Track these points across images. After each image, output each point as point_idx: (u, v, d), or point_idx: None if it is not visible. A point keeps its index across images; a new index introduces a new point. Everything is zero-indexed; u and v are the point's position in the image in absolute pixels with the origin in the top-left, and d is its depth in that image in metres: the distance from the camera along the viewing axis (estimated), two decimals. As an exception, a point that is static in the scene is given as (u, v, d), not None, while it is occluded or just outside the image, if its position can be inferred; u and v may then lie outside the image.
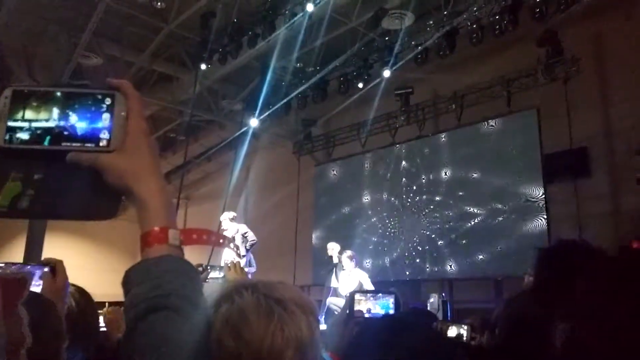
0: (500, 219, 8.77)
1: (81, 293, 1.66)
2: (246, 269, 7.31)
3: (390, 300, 2.11)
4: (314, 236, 11.45)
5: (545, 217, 8.32)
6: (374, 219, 10.68)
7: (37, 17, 8.60)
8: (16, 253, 11.04)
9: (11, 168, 0.69)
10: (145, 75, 10.27)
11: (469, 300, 8.57)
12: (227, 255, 7.60)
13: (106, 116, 0.71)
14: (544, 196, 8.40)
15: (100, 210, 0.73)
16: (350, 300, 2.14)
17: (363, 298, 2.17)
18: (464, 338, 2.29)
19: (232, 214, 7.94)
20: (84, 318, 1.59)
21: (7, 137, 0.69)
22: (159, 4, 8.51)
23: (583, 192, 8.22)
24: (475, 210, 9.12)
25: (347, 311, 2.14)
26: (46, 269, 1.48)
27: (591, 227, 7.83)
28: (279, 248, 10.76)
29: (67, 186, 0.71)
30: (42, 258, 1.55)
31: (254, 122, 10.19)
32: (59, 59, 9.15)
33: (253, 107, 10.01)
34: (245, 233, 7.64)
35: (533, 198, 8.50)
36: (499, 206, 8.85)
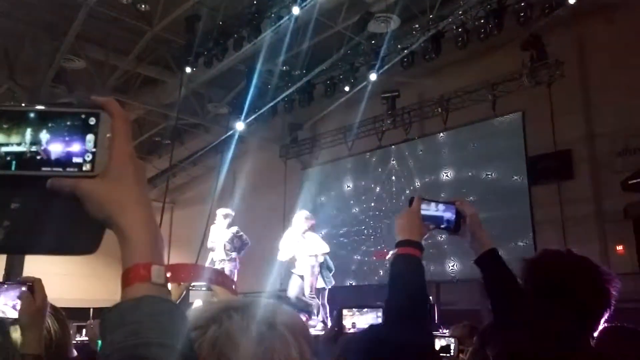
0: (485, 221, 8.80)
1: (54, 310, 1.61)
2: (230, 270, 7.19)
3: (377, 314, 2.07)
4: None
5: (529, 218, 8.40)
6: (361, 222, 10.69)
7: (20, 20, 8.49)
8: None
9: None
10: (130, 78, 10.18)
11: (455, 303, 8.60)
12: (217, 256, 7.45)
13: (90, 138, 0.65)
14: (528, 198, 8.49)
15: (81, 244, 0.66)
16: (338, 316, 2.11)
17: (350, 313, 2.14)
18: (452, 350, 2.28)
19: (228, 211, 7.70)
20: (58, 339, 1.55)
21: None
22: (142, 6, 8.44)
23: (566, 194, 8.32)
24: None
25: (336, 328, 2.11)
26: (24, 288, 1.41)
27: (575, 229, 7.93)
28: (265, 252, 10.68)
29: (46, 217, 0.64)
30: (23, 273, 1.51)
31: (240, 126, 10.14)
32: (42, 63, 9.04)
33: (239, 111, 9.96)
34: (239, 233, 7.45)
35: (518, 199, 8.58)
36: (485, 208, 8.89)
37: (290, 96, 9.75)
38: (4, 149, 0.63)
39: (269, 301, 0.93)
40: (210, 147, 11.66)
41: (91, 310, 10.13)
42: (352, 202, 11.00)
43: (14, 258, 8.96)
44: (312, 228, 7.03)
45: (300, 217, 6.99)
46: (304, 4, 7.46)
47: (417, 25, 8.38)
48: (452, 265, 9.11)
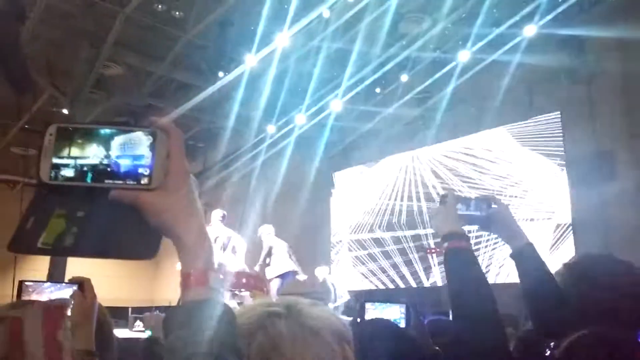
0: (527, 224, 8.67)
1: (99, 308, 1.70)
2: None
3: (400, 310, 2.03)
4: (332, 241, 11.43)
5: (570, 222, 8.21)
6: (394, 223, 10.64)
7: (60, 28, 8.75)
8: (37, 264, 11.20)
9: (55, 205, 0.70)
10: (164, 83, 10.37)
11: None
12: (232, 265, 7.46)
13: (148, 154, 0.71)
14: (569, 200, 8.30)
15: (141, 249, 0.72)
16: (360, 308, 2.09)
17: (372, 307, 2.11)
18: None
19: (221, 212, 7.77)
20: (103, 334, 1.61)
21: (52, 174, 0.70)
22: (177, 13, 8.59)
23: (609, 196, 8.06)
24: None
25: (358, 320, 2.10)
26: (75, 288, 1.49)
27: (617, 233, 7.68)
28: (297, 255, 10.75)
29: (110, 224, 0.70)
30: (70, 275, 1.57)
31: (271, 129, 10.21)
32: (81, 69, 9.29)
33: (271, 114, 10.04)
34: (234, 241, 7.49)
35: (557, 201, 8.39)
36: (525, 212, 8.73)
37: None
38: (80, 161, 0.70)
39: (307, 303, 0.94)
40: (242, 151, 11.77)
41: (130, 309, 10.37)
42: (384, 205, 10.95)
43: (57, 260, 9.26)
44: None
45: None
46: (334, 6, 7.47)
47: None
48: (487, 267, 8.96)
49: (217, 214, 7.63)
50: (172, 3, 8.47)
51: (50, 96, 9.74)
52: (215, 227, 7.51)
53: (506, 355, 1.30)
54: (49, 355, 0.92)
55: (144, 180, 0.71)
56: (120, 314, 9.77)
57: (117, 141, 0.71)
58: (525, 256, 1.49)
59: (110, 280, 11.67)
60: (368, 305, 2.14)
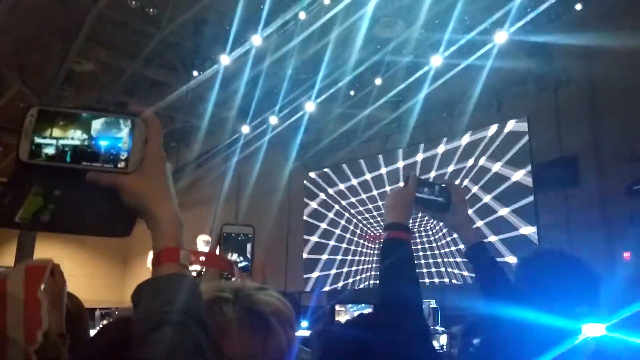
0: (493, 228, 8.83)
1: (72, 297, 1.69)
2: None
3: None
4: (305, 244, 11.46)
5: (535, 225, 8.40)
6: (366, 224, 10.72)
7: (30, 23, 8.58)
8: (5, 259, 10.95)
9: (33, 183, 0.72)
10: (137, 81, 10.26)
11: (461, 307, 8.58)
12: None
13: (126, 139, 0.75)
14: (534, 204, 8.49)
15: (116, 228, 0.75)
16: (330, 311, 2.13)
17: (343, 309, 2.16)
18: (444, 347, 2.28)
19: (206, 237, 7.82)
20: (75, 322, 1.61)
21: (31, 153, 0.73)
22: (151, 10, 8.52)
23: (573, 201, 8.28)
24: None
25: (328, 322, 2.13)
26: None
27: (580, 236, 7.89)
28: (270, 255, 10.76)
29: (86, 203, 0.74)
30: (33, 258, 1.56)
31: (245, 129, 10.19)
32: (51, 65, 9.13)
33: (245, 114, 10.03)
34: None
35: (523, 205, 8.58)
36: (491, 214, 8.91)
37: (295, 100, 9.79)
38: (60, 142, 0.73)
39: (254, 287, 0.98)
40: (215, 150, 11.72)
41: (97, 311, 10.18)
42: (353, 205, 11.04)
43: (24, 242, 9.13)
44: None
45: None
46: (310, 9, 7.51)
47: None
48: (457, 268, 9.11)
49: (201, 238, 7.73)
50: (145, 0, 8.38)
51: (18, 91, 9.54)
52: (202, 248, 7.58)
53: (426, 345, 1.34)
54: (28, 311, 0.96)
55: (121, 164, 0.74)
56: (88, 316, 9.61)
57: (97, 125, 0.74)
58: (480, 254, 1.52)
59: (77, 279, 11.46)
60: (338, 307, 2.18)
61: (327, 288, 10.88)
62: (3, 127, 10.98)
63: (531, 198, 8.50)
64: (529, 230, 8.44)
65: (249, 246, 1.43)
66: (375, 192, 10.70)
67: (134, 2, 8.37)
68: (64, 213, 0.72)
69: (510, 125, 8.87)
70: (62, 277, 1.49)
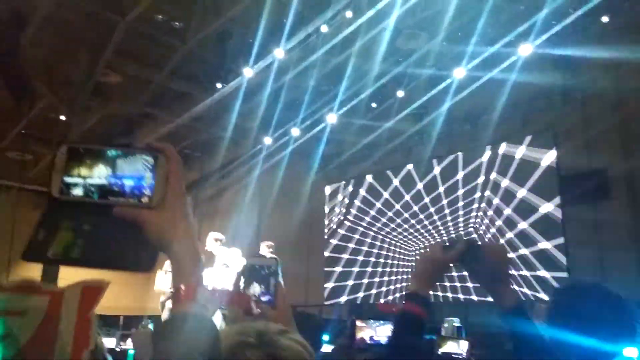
0: (519, 242, 8.69)
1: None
2: None
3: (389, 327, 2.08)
4: (325, 254, 11.44)
5: (563, 240, 8.23)
6: (387, 237, 10.66)
7: (60, 36, 8.80)
8: (32, 271, 11.15)
9: (64, 218, 0.76)
10: (162, 92, 10.42)
11: (486, 325, 8.43)
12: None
13: (149, 175, 0.78)
14: (561, 219, 8.32)
15: (140, 262, 0.79)
16: (351, 327, 2.14)
17: (364, 324, 2.16)
18: (463, 354, 2.25)
19: (216, 235, 7.80)
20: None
21: (61, 190, 0.76)
22: (177, 24, 8.67)
23: (603, 214, 8.04)
24: (492, 233, 9.05)
25: (349, 337, 2.13)
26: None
27: (611, 252, 7.68)
28: (291, 266, 10.76)
29: (112, 238, 0.77)
30: (62, 281, 1.59)
31: (267, 140, 10.27)
32: (79, 76, 9.34)
33: (267, 125, 10.11)
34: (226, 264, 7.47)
35: (551, 220, 8.42)
36: (517, 228, 8.77)
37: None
38: (88, 180, 0.77)
39: (276, 330, 1.00)
40: (238, 161, 11.81)
41: (121, 318, 10.30)
42: (376, 217, 10.99)
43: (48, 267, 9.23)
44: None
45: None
46: (332, 22, 7.55)
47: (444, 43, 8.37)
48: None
49: (212, 236, 7.68)
50: (171, 14, 8.54)
51: (48, 103, 9.77)
52: (212, 249, 7.55)
53: None
54: (78, 331, 0.99)
55: (145, 199, 0.77)
56: (111, 322, 9.72)
57: (122, 162, 0.78)
58: (518, 320, 1.39)
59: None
60: (359, 322, 2.18)
61: (344, 298, 10.83)
62: (34, 137, 11.25)
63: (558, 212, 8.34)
64: (553, 243, 8.29)
65: (272, 279, 1.44)
66: (397, 206, 10.65)
67: (160, 16, 8.54)
68: (92, 248, 0.76)
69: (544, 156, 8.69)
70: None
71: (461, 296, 9.16)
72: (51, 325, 1.00)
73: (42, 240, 0.75)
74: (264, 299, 1.39)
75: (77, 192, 0.76)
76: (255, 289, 1.40)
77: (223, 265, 7.42)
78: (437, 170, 10.07)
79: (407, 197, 10.46)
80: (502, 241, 8.70)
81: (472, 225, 9.39)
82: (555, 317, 1.51)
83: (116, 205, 0.76)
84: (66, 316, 1.03)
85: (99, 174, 0.77)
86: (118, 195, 0.77)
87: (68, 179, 0.77)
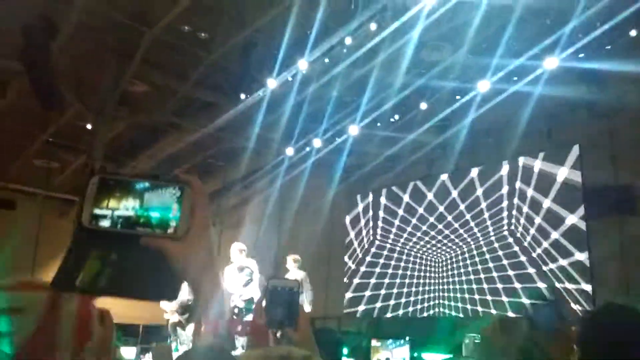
0: (543, 256, 8.57)
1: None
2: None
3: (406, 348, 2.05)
4: (346, 266, 11.39)
5: (587, 255, 8.09)
6: (409, 250, 10.58)
7: (88, 44, 9.00)
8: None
9: (92, 247, 0.79)
10: (188, 102, 10.56)
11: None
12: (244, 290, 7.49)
13: (175, 206, 0.80)
14: (586, 232, 8.19)
15: (164, 292, 0.81)
16: (367, 347, 2.13)
17: (379, 344, 2.14)
18: None
19: (240, 245, 7.85)
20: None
21: (92, 220, 0.79)
22: (202, 34, 8.80)
23: (628, 229, 7.90)
24: (513, 247, 8.94)
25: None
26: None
27: (637, 269, 7.52)
28: (311, 277, 10.75)
29: (138, 267, 0.79)
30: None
31: (290, 151, 10.31)
32: (107, 85, 9.52)
33: (290, 136, 10.16)
34: (252, 274, 7.53)
35: (575, 234, 8.30)
36: (539, 242, 8.65)
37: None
38: (117, 212, 0.80)
39: (300, 356, 1.00)
40: (261, 171, 11.87)
41: (140, 327, 10.38)
42: (398, 229, 10.92)
43: None
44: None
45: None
46: (357, 34, 7.58)
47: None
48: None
49: (236, 246, 7.80)
50: (197, 24, 8.67)
51: (76, 111, 9.97)
52: (236, 259, 7.65)
53: None
54: (79, 327, 1.03)
55: (170, 230, 0.79)
56: (131, 332, 9.80)
57: (150, 193, 0.80)
58: None
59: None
60: (374, 342, 2.17)
61: (362, 308, 10.75)
62: (60, 145, 11.47)
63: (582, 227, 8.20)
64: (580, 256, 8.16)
65: (294, 301, 1.46)
66: (418, 214, 10.58)
67: (186, 27, 8.68)
68: (119, 277, 0.78)
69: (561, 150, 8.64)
70: (111, 323, 1.53)
71: (479, 308, 9.06)
72: (52, 321, 1.03)
73: (70, 269, 0.77)
74: (287, 322, 1.41)
75: (106, 222, 0.79)
76: (279, 312, 1.43)
77: (237, 269, 7.49)
78: (464, 181, 9.99)
79: (421, 210, 10.39)
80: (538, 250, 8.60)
81: (504, 231, 9.26)
82: (586, 348, 1.47)
83: (143, 235, 0.79)
84: (67, 312, 1.05)
85: (127, 205, 0.79)
86: (145, 226, 0.79)
87: (97, 210, 0.79)
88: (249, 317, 6.94)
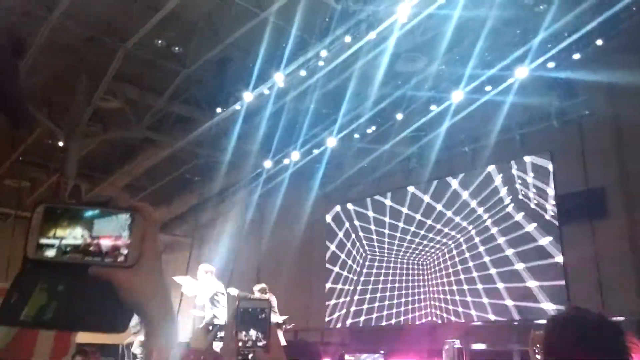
0: (517, 261, 8.67)
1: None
2: None
3: None
4: (328, 277, 11.37)
5: (562, 259, 8.23)
6: (390, 260, 10.60)
7: (59, 61, 8.88)
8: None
9: (38, 278, 0.75)
10: (163, 117, 10.47)
11: (487, 346, 8.37)
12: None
13: (125, 234, 0.77)
14: (559, 237, 8.33)
15: (114, 324, 0.77)
16: None
17: (352, 358, 2.15)
18: None
19: (209, 267, 7.76)
20: None
21: (37, 250, 0.75)
22: (176, 48, 8.75)
23: (601, 233, 8.07)
24: (490, 254, 9.03)
25: None
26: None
27: (610, 269, 7.69)
28: (293, 289, 10.69)
29: (87, 299, 0.76)
30: None
31: (267, 164, 10.29)
32: (79, 102, 9.38)
33: (267, 148, 10.15)
34: (216, 295, 7.45)
35: (549, 240, 8.43)
36: (516, 249, 8.76)
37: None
38: (64, 242, 0.76)
39: None
40: (239, 185, 11.81)
41: (120, 346, 10.19)
42: (378, 239, 10.95)
43: None
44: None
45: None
46: (332, 46, 7.64)
47: (443, 66, 8.46)
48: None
49: (203, 268, 7.66)
50: (171, 39, 8.63)
51: (46, 129, 9.80)
52: (203, 280, 7.51)
53: None
54: (56, 342, 1.00)
55: (121, 258, 0.77)
56: (109, 352, 9.62)
57: (99, 221, 0.78)
58: None
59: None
60: (347, 356, 2.17)
61: (346, 320, 10.71)
62: (31, 163, 11.25)
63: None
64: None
65: (266, 322, 1.44)
66: (402, 226, 10.63)
67: (160, 41, 8.63)
68: (66, 310, 0.74)
69: (530, 159, 8.80)
70: None
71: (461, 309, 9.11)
72: (30, 333, 1.00)
73: (15, 302, 0.74)
74: (260, 344, 1.40)
75: (53, 252, 0.76)
76: (252, 334, 1.41)
77: (204, 290, 7.40)
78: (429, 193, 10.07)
79: (401, 223, 10.45)
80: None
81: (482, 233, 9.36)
82: (550, 350, 1.51)
83: (92, 265, 0.76)
84: (39, 356, 1.02)
85: (75, 234, 0.76)
86: (94, 255, 0.76)
87: (44, 240, 0.76)
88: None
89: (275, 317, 7.39)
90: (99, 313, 0.76)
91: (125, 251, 0.77)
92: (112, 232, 0.77)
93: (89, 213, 0.78)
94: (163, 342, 0.79)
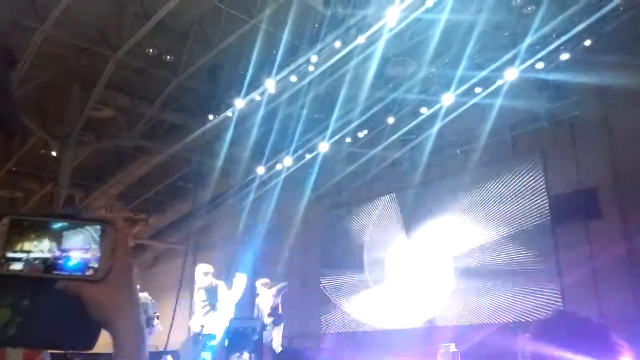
0: (512, 263, 8.70)
1: None
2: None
3: None
4: (323, 281, 11.36)
5: (555, 259, 8.26)
6: (382, 262, 10.61)
7: (52, 71, 8.86)
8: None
9: (3, 294, 0.72)
10: (155, 125, 10.47)
11: (482, 348, 8.37)
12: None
13: (95, 247, 0.74)
14: (553, 238, 8.35)
15: (81, 340, 0.74)
16: None
17: None
18: None
19: (208, 267, 7.72)
20: None
21: (2, 265, 0.71)
22: (168, 57, 8.76)
23: (595, 234, 8.07)
24: (485, 256, 9.05)
25: None
26: None
27: (604, 269, 7.69)
28: (287, 294, 10.67)
29: (52, 315, 0.72)
30: None
31: (260, 170, 10.30)
32: (71, 111, 9.36)
33: (260, 154, 10.15)
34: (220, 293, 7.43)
35: (542, 240, 8.45)
36: (509, 251, 8.79)
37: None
38: (32, 255, 0.72)
39: None
40: (232, 191, 11.80)
41: (112, 354, 10.11)
42: (371, 245, 10.96)
43: None
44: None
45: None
46: (322, 52, 7.67)
47: (433, 69, 8.52)
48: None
49: (201, 269, 7.60)
50: (163, 47, 8.64)
51: (39, 138, 9.77)
52: (201, 282, 7.46)
53: None
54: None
55: (90, 272, 0.73)
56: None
57: (67, 234, 0.74)
58: None
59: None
60: None
61: (340, 326, 10.70)
62: (24, 173, 11.21)
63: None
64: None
65: (259, 342, 1.42)
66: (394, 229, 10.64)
67: (151, 50, 8.64)
68: (31, 326, 0.71)
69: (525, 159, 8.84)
70: None
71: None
72: None
73: None
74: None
75: (19, 266, 0.71)
76: (245, 356, 1.41)
77: (202, 293, 7.35)
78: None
79: (393, 221, 10.47)
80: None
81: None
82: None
83: (59, 279, 0.72)
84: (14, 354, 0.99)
85: (42, 247, 0.73)
86: (62, 269, 0.72)
87: (10, 253, 0.72)
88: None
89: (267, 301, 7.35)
90: (65, 329, 0.73)
91: (95, 264, 0.73)
92: (82, 245, 0.74)
93: (57, 225, 0.74)
94: (132, 357, 0.75)
